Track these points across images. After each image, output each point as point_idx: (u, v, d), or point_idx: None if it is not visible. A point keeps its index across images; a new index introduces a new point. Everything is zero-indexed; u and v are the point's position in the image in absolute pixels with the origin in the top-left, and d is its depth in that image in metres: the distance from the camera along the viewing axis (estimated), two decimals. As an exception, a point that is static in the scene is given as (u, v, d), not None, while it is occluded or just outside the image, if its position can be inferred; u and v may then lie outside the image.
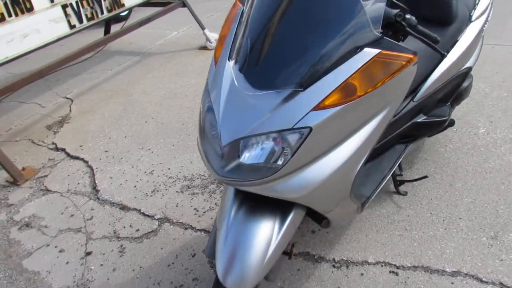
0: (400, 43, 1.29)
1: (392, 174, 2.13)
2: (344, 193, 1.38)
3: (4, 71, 4.25)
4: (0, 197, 2.51)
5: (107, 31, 4.76)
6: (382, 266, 1.79)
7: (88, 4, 3.74)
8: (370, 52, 1.17)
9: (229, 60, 1.31)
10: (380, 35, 1.18)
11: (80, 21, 3.67)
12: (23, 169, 2.71)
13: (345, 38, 1.18)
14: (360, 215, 2.05)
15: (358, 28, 1.18)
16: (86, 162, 2.72)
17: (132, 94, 3.60)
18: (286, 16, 1.25)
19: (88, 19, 3.75)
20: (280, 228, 1.34)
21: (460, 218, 1.98)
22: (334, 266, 1.81)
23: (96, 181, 2.52)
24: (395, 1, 1.33)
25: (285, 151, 1.17)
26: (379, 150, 1.91)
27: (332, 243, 1.92)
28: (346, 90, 1.15)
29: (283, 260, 1.51)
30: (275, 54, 1.22)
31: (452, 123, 2.19)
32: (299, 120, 1.14)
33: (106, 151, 2.80)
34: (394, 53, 1.20)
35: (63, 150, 2.88)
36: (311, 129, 1.14)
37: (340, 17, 1.20)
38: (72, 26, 3.60)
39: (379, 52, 1.17)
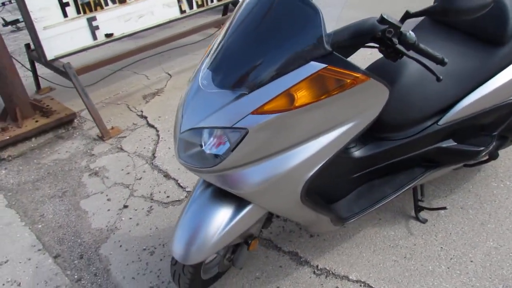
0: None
1: (414, 198, 2.01)
2: (293, 199, 1.41)
3: (134, 44, 4.97)
4: (88, 148, 3.06)
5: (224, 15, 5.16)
6: (360, 285, 1.75)
7: (200, -8, 4.15)
8: (315, 66, 1.19)
9: (207, 57, 1.45)
10: (330, 50, 1.18)
11: (191, 7, 4.10)
12: (112, 128, 3.24)
13: (296, 49, 1.22)
14: (365, 231, 2.00)
15: (311, 40, 1.20)
16: (157, 131, 3.12)
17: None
18: (251, 24, 1.33)
19: (198, 6, 4.16)
20: (233, 218, 1.44)
21: (471, 261, 1.78)
22: (314, 272, 1.84)
23: (157, 149, 2.89)
24: (385, 18, 1.30)
25: (226, 146, 1.28)
26: (393, 168, 1.84)
27: (324, 251, 1.93)
28: (285, 99, 1.20)
29: (244, 249, 1.61)
30: (234, 57, 1.32)
31: (494, 156, 1.95)
32: (238, 121, 1.23)
33: (176, 125, 3.16)
34: (340, 70, 1.19)
35: (145, 118, 3.34)
36: (247, 130, 1.22)
37: (296, 28, 1.24)
38: (182, 11, 4.05)
39: (325, 67, 1.18)
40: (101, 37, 3.54)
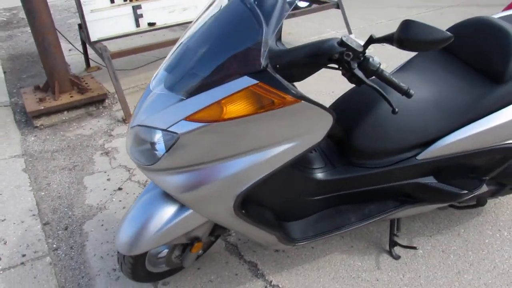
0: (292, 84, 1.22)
1: (390, 232, 1.91)
2: (226, 211, 1.40)
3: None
4: (110, 128, 3.24)
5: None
6: (306, 310, 1.70)
7: (248, -9, 4.18)
8: (247, 81, 1.17)
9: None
10: (263, 67, 1.16)
11: (236, 5, 4.16)
12: (136, 112, 3.39)
13: (235, 61, 1.21)
14: (332, 256, 1.93)
15: (248, 55, 1.19)
16: (174, 122, 3.22)
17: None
18: (206, 31, 1.35)
19: (244, 5, 4.21)
20: (173, 219, 1.46)
21: (431, 310, 1.66)
22: (266, 287, 1.80)
23: (167, 139, 2.99)
24: (344, 40, 1.26)
25: (162, 148, 1.30)
26: (365, 196, 1.75)
27: (283, 268, 1.89)
28: (215, 110, 1.20)
29: (187, 250, 1.63)
30: (184, 61, 1.35)
31: (482, 202, 1.79)
32: (172, 125, 1.25)
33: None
34: (270, 89, 1.16)
35: (169, 107, 3.46)
36: (179, 136, 1.24)
37: (239, 41, 1.23)
38: (227, 8, 4.12)
39: (256, 83, 1.16)
40: (143, 25, 3.71)
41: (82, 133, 3.20)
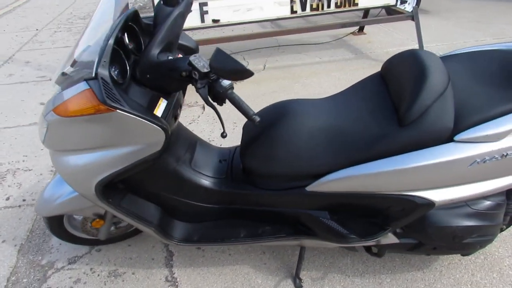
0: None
1: (298, 259, 1.86)
2: (93, 197, 1.56)
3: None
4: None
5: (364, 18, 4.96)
6: (183, 307, 1.78)
7: (318, -4, 4.14)
8: (84, 85, 1.32)
9: None
10: (95, 75, 1.29)
11: (303, 9, 4.17)
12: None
13: (83, 67, 1.38)
14: (240, 267, 1.96)
15: (89, 63, 1.34)
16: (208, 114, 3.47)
17: (297, 82, 3.95)
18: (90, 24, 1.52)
19: (312, 9, 4.19)
20: (70, 194, 1.73)
21: None
22: (167, 278, 1.94)
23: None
24: (191, 61, 1.35)
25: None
26: (261, 216, 1.74)
27: (192, 264, 1.99)
28: (63, 107, 1.38)
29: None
30: (65, 60, 1.54)
31: (380, 253, 1.62)
32: (47, 113, 1.48)
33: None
34: (94, 95, 1.29)
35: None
36: (48, 123, 1.46)
37: (90, 50, 1.40)
38: (293, 11, 4.17)
39: (88, 89, 1.31)
40: (208, 21, 4.02)
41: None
